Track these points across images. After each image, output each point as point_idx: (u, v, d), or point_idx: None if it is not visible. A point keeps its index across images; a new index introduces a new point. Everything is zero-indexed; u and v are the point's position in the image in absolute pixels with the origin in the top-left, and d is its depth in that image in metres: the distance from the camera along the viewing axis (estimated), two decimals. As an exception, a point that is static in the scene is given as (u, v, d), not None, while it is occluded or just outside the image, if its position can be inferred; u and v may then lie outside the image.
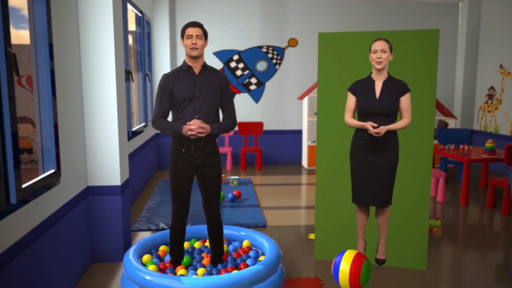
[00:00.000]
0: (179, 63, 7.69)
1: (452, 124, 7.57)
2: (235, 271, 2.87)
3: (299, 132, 7.99)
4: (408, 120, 3.30)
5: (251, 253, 3.36)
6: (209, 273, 3.08)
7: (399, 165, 3.38)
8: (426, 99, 3.28)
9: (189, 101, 2.93)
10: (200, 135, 2.85)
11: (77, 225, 3.19)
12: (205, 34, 2.93)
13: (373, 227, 3.50)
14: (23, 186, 2.30)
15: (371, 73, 3.34)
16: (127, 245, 3.70)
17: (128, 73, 4.94)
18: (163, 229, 4.41)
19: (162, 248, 3.49)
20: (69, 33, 3.11)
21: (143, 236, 4.24)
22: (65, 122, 3.00)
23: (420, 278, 3.31)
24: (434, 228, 4.19)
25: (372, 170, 3.40)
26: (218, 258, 3.23)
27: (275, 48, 7.76)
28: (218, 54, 7.67)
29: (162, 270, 3.11)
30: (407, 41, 3.26)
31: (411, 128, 3.34)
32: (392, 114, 3.30)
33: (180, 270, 3.05)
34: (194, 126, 2.82)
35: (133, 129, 5.52)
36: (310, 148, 7.56)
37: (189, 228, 3.75)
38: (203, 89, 2.95)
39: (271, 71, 7.81)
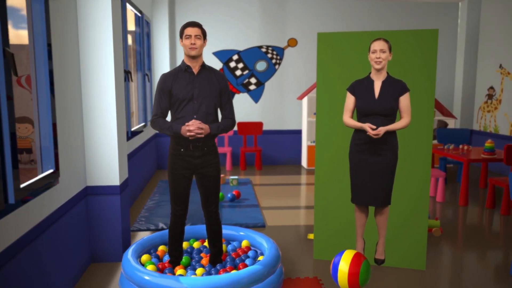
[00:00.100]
0: (179, 63, 7.68)
1: (451, 124, 7.57)
2: (234, 271, 2.86)
3: (299, 132, 7.99)
4: (408, 120, 3.30)
5: (250, 253, 3.36)
6: (208, 273, 3.07)
7: (398, 165, 3.38)
8: (425, 99, 3.28)
9: (188, 101, 2.92)
10: (199, 135, 2.85)
11: (76, 225, 3.19)
12: (204, 34, 2.93)
13: (372, 227, 3.50)
14: (22, 186, 2.30)
15: (370, 73, 3.34)
16: (126, 245, 3.70)
17: (127, 73, 4.94)
18: (162, 229, 4.41)
19: (161, 248, 3.49)
20: (68, 33, 3.11)
21: (142, 236, 4.24)
22: (64, 122, 3.00)
23: (419, 278, 3.31)
24: (433, 228, 4.19)
25: (371, 170, 3.40)
26: (217, 258, 3.23)
27: (274, 48, 7.76)
28: (218, 54, 7.67)
29: (161, 270, 3.11)
30: (406, 41, 3.26)
31: (410, 128, 3.34)
32: (391, 114, 3.30)
33: (179, 270, 3.04)
34: (193, 127, 2.82)
35: (132, 129, 5.52)
36: (309, 148, 7.56)
37: (188, 228, 3.75)
38: (202, 89, 2.95)
39: (271, 71, 7.81)
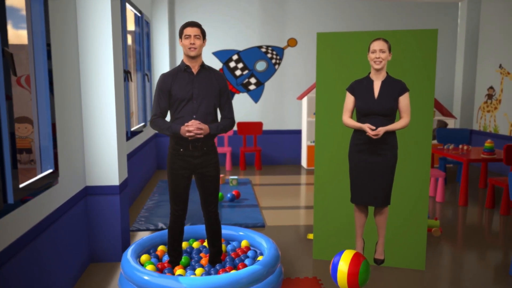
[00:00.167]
0: (178, 63, 7.68)
1: (451, 124, 7.57)
2: (233, 271, 2.86)
3: (299, 132, 7.99)
4: (407, 120, 3.30)
5: (249, 253, 3.36)
6: (207, 273, 3.07)
7: (398, 165, 3.38)
8: (424, 99, 3.28)
9: (187, 101, 2.92)
10: (198, 136, 2.85)
11: (76, 225, 3.19)
12: (203, 34, 2.93)
13: (371, 227, 3.49)
14: (21, 186, 2.30)
15: (369, 73, 3.33)
16: (126, 245, 3.70)
17: (127, 73, 4.94)
18: (161, 229, 4.41)
19: (161, 248, 3.49)
20: (67, 33, 3.11)
21: (142, 236, 4.24)
22: (63, 122, 3.00)
23: (419, 278, 3.31)
24: (433, 228, 4.19)
25: (370, 170, 3.40)
26: (217, 258, 3.23)
27: (274, 48, 7.76)
28: (218, 54, 7.67)
29: (160, 270, 3.11)
30: (406, 41, 3.26)
31: (409, 128, 3.34)
32: (391, 114, 3.30)
33: (178, 270, 3.04)
34: (192, 127, 2.82)
35: (132, 129, 5.52)
36: (309, 148, 7.55)
37: (188, 228, 3.75)
38: (201, 89, 2.95)
39: (271, 71, 7.80)
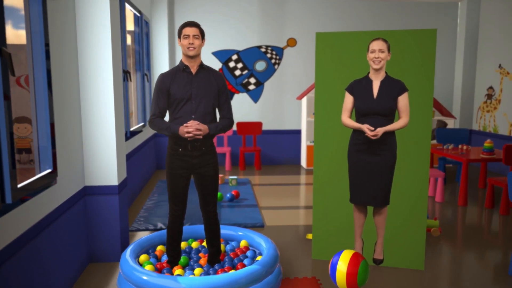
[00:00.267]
0: (178, 63, 7.68)
1: (451, 124, 7.57)
2: (232, 271, 2.86)
3: (298, 132, 7.99)
4: (406, 120, 3.30)
5: (248, 253, 3.36)
6: (206, 273, 3.07)
7: (397, 165, 3.38)
8: (423, 99, 3.28)
9: (186, 101, 2.92)
10: (198, 137, 2.85)
11: (74, 225, 3.19)
12: (202, 34, 2.93)
13: (370, 227, 3.49)
14: (19, 186, 2.30)
15: (368, 72, 3.33)
16: (125, 245, 3.70)
17: (126, 73, 4.93)
18: (161, 229, 4.41)
19: (160, 248, 3.49)
20: (66, 33, 3.11)
21: (141, 236, 4.23)
22: (62, 122, 2.99)
23: (418, 278, 3.31)
24: (432, 228, 4.19)
25: (369, 170, 3.40)
26: (215, 258, 3.23)
27: (274, 48, 7.76)
28: (217, 54, 7.67)
29: (159, 270, 3.10)
30: (405, 41, 3.26)
31: (408, 128, 3.33)
32: (390, 114, 3.30)
33: (177, 270, 3.04)
34: (192, 129, 2.82)
35: (131, 129, 5.52)
36: (308, 148, 7.55)
37: (187, 228, 3.75)
38: (200, 88, 2.95)
39: (270, 71, 7.80)
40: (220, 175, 6.28)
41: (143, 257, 3.26)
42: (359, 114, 3.35)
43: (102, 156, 3.44)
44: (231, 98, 7.82)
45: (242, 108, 7.85)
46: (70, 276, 3.09)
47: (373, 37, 3.28)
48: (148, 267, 3.07)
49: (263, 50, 7.72)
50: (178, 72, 2.97)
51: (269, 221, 4.70)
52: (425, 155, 3.33)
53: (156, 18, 7.17)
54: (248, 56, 7.71)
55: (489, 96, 7.44)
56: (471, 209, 5.11)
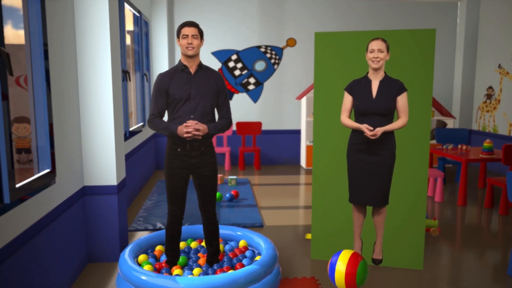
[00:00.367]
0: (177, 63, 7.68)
1: (450, 124, 7.57)
2: (231, 271, 2.86)
3: (298, 132, 7.99)
4: (405, 120, 3.29)
5: (247, 253, 3.35)
6: (205, 273, 3.07)
7: (396, 165, 3.38)
8: (422, 99, 3.28)
9: (184, 101, 2.92)
10: (197, 137, 2.85)
11: (73, 225, 3.19)
12: (200, 34, 2.93)
13: (369, 227, 3.49)
14: (17, 186, 2.30)
15: (367, 72, 3.33)
16: (124, 245, 3.70)
17: (125, 73, 4.93)
18: (160, 229, 4.41)
19: (158, 248, 3.48)
20: (65, 33, 3.10)
21: (140, 236, 4.23)
22: (61, 122, 2.99)
23: (417, 278, 3.31)
24: (431, 228, 4.18)
25: (368, 170, 3.40)
26: (214, 258, 3.22)
27: (273, 48, 7.76)
28: (217, 54, 7.66)
29: (157, 270, 3.10)
30: (404, 41, 3.25)
31: (407, 128, 3.33)
32: (389, 114, 3.29)
33: (176, 270, 3.04)
34: (191, 129, 2.81)
35: (130, 129, 5.52)
36: (308, 148, 7.55)
37: (186, 228, 3.75)
38: (199, 88, 2.94)
39: (270, 71, 7.80)
40: (220, 175, 6.28)
41: (142, 257, 3.26)
42: (358, 114, 3.35)
43: (101, 156, 3.43)
44: (231, 98, 7.82)
45: (242, 108, 7.85)
46: (69, 276, 3.08)
47: (372, 37, 3.28)
48: (147, 267, 3.06)
49: (262, 50, 7.72)
50: (177, 72, 2.97)
51: (268, 221, 4.70)
52: (424, 155, 3.33)
53: (155, 18, 7.17)
54: (248, 56, 7.71)
55: (489, 96, 7.44)
56: (471, 209, 5.11)
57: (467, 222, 4.63)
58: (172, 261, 3.16)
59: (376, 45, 3.24)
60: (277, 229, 4.42)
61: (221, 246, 3.51)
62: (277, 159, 8.05)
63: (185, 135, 2.82)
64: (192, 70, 2.96)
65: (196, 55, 2.93)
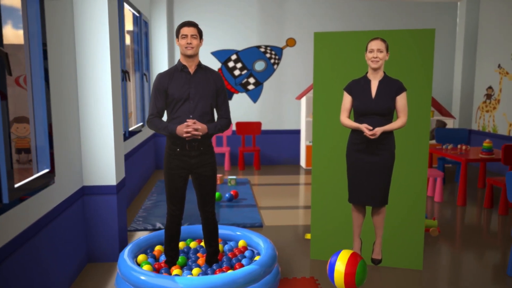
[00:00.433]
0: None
1: (450, 124, 7.57)
2: (230, 271, 2.86)
3: (297, 132, 7.99)
4: (404, 120, 3.29)
5: (246, 253, 3.35)
6: (204, 273, 3.07)
7: (395, 165, 3.38)
8: (422, 99, 3.28)
9: (184, 101, 2.92)
10: (196, 137, 2.85)
11: (73, 225, 3.19)
12: (200, 34, 2.92)
13: (369, 227, 3.49)
14: (16, 186, 2.29)
15: (367, 72, 3.33)
16: (123, 245, 3.70)
17: (124, 73, 4.93)
18: (159, 229, 4.41)
19: (158, 248, 3.48)
20: (64, 33, 3.10)
21: (140, 236, 4.23)
22: (60, 122, 2.99)
23: (417, 278, 3.31)
24: (431, 228, 4.18)
25: (368, 170, 3.40)
26: (213, 258, 3.22)
27: (273, 48, 7.76)
28: (216, 54, 7.66)
29: (157, 270, 3.10)
30: (403, 41, 3.25)
31: (407, 128, 3.33)
32: (388, 114, 3.29)
33: (175, 270, 3.04)
34: (190, 128, 2.81)
35: (130, 129, 5.52)
36: (308, 148, 7.55)
37: (185, 228, 3.75)
38: (198, 88, 2.94)
39: (269, 71, 7.80)
40: (219, 175, 6.28)
41: (141, 257, 3.26)
42: (358, 114, 3.35)
43: (100, 156, 3.43)
44: (230, 98, 7.82)
45: (241, 108, 7.85)
46: (68, 276, 3.08)
47: (372, 36, 3.27)
48: (146, 267, 3.06)
49: (262, 50, 7.72)
50: (176, 72, 2.97)
51: (268, 221, 4.70)
52: (423, 155, 3.33)
53: (155, 18, 7.16)
54: (247, 56, 7.71)
55: (489, 96, 7.44)
56: (470, 209, 5.11)
57: (466, 222, 4.63)
58: (171, 261, 3.16)
59: (375, 45, 3.24)
60: (277, 229, 4.42)
61: (220, 246, 3.51)
62: (277, 159, 8.05)
63: (185, 135, 2.82)
64: (192, 70, 2.96)
65: (195, 55, 2.93)
